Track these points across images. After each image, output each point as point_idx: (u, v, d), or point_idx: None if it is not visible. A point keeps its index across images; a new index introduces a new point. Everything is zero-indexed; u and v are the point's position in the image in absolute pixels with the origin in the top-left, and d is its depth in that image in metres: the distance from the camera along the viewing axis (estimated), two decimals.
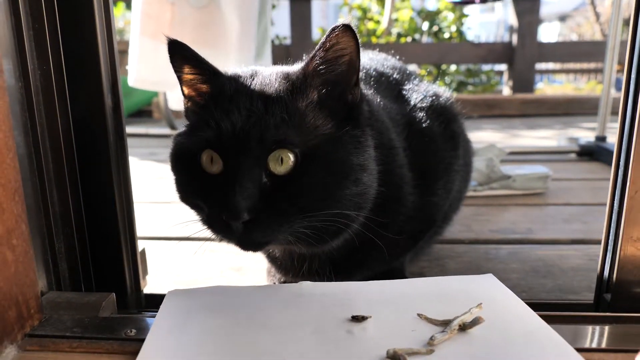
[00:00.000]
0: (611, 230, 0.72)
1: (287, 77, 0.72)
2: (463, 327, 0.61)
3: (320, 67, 0.69)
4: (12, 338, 0.59)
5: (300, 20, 3.97)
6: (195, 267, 1.17)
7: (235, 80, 0.73)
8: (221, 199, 0.65)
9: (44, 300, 0.69)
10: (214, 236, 0.72)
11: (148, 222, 1.48)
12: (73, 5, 0.73)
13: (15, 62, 0.66)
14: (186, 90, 0.76)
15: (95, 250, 0.81)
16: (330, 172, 0.67)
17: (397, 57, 1.23)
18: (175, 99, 2.46)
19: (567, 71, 8.46)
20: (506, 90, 5.04)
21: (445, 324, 0.62)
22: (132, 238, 0.85)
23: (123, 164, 0.82)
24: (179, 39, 0.70)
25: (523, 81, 4.64)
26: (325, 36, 0.67)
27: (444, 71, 5.66)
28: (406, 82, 1.00)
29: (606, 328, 0.67)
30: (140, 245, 0.92)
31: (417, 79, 1.02)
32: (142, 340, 0.60)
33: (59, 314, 0.67)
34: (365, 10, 5.92)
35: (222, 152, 0.67)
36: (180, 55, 0.72)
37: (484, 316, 0.63)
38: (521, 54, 4.55)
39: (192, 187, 0.72)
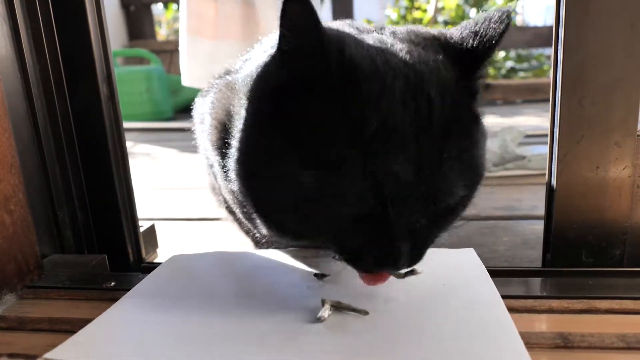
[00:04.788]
0: (552, 197, 0.76)
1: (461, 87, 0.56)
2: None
3: None
4: (11, 288, 0.72)
5: (341, 12, 4.02)
6: (208, 243, 1.27)
7: (381, 74, 0.52)
8: (381, 243, 0.54)
9: (47, 261, 0.81)
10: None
11: (172, 205, 1.60)
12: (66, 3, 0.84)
13: (13, 59, 0.78)
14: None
15: (98, 222, 0.92)
16: None
17: None
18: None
19: None
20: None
21: None
22: (132, 213, 0.96)
23: (120, 146, 0.92)
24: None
25: None
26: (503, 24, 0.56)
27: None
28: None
29: (540, 280, 0.74)
30: (159, 224, 1.04)
31: None
32: (120, 290, 0.70)
33: (57, 271, 0.79)
34: (412, 0, 5.90)
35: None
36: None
37: (444, 283, 0.69)
38: None
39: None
